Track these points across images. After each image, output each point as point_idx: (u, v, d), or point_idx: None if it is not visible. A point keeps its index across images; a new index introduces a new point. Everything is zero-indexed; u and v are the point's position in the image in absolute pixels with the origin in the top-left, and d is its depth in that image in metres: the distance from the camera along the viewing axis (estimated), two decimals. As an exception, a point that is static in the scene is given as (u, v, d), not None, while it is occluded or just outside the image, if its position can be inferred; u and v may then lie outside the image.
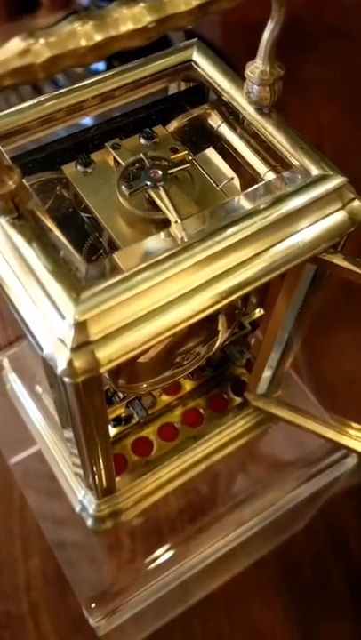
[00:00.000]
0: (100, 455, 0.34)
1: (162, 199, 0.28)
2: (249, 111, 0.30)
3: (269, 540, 0.54)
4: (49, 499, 0.47)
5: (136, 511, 0.43)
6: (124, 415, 0.40)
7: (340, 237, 0.29)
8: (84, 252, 0.30)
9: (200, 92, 0.33)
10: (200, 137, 0.32)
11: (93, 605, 0.42)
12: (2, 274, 0.26)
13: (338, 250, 0.30)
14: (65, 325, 0.24)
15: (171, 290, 0.25)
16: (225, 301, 0.27)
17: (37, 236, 0.26)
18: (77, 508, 0.43)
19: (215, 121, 0.32)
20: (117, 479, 0.41)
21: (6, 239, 0.26)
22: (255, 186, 0.28)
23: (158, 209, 0.28)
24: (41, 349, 0.25)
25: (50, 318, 0.25)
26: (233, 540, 0.47)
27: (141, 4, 0.22)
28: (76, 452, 0.36)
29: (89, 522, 0.42)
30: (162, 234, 0.26)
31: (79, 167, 0.30)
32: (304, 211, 0.28)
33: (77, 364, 0.24)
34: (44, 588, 0.52)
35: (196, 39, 0.33)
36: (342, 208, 0.28)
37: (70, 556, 0.46)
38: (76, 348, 0.24)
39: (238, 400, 0.45)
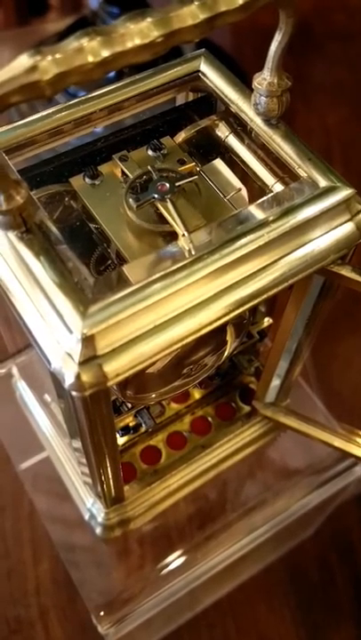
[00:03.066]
0: (108, 465, 0.34)
1: (169, 212, 0.28)
2: (257, 122, 0.30)
3: (278, 546, 0.54)
4: (57, 505, 0.47)
5: (145, 519, 0.43)
6: (132, 424, 0.40)
7: (348, 249, 0.29)
8: (92, 263, 0.30)
9: (208, 102, 0.33)
10: (208, 148, 0.32)
11: (102, 613, 0.43)
12: (11, 288, 0.26)
13: (346, 261, 0.30)
14: (72, 340, 0.24)
15: (179, 303, 0.25)
16: (233, 314, 0.27)
17: (45, 249, 0.26)
18: (86, 517, 0.43)
19: (223, 132, 0.32)
20: (126, 488, 0.41)
21: (15, 253, 0.26)
22: (263, 198, 0.28)
23: (166, 222, 0.28)
24: (49, 363, 0.25)
25: (58, 332, 0.25)
26: (242, 547, 0.47)
27: (148, 19, 0.22)
28: (84, 461, 0.36)
29: (98, 530, 0.42)
30: (170, 247, 0.26)
31: (87, 180, 0.30)
32: (313, 223, 0.28)
33: (85, 378, 0.24)
34: (54, 592, 0.52)
35: (203, 50, 0.33)
36: (350, 220, 0.28)
37: (79, 564, 0.46)
38: (84, 363, 0.24)
39: (247, 408, 0.45)
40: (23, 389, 0.47)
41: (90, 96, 0.31)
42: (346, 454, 0.43)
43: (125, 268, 0.26)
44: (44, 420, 0.45)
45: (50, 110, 0.30)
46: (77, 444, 0.35)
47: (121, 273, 0.26)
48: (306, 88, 0.77)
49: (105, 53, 0.22)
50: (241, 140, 0.31)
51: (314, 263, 0.28)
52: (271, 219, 0.27)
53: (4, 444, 0.48)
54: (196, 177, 0.29)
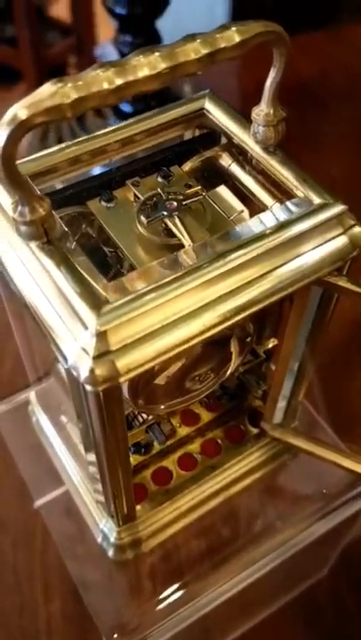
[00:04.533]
0: (120, 475, 0.35)
1: (176, 226, 0.30)
2: (256, 150, 0.33)
3: (292, 586, 0.54)
4: (73, 538, 0.48)
5: (156, 541, 0.44)
6: (143, 442, 0.42)
7: (342, 261, 0.31)
8: (108, 274, 0.32)
9: (212, 135, 0.36)
10: (213, 175, 0.35)
11: (115, 636, 0.43)
12: (32, 294, 0.29)
13: (343, 273, 0.32)
14: (87, 335, 0.26)
15: (182, 305, 0.28)
16: (235, 319, 0.29)
17: (64, 259, 0.28)
18: (99, 538, 0.44)
19: (226, 161, 0.35)
20: (138, 507, 0.42)
21: (37, 262, 0.29)
22: (261, 213, 0.31)
23: (173, 236, 0.30)
24: (66, 360, 0.27)
25: (74, 330, 0.27)
26: (251, 574, 0.47)
27: (156, 53, 0.26)
28: (97, 475, 0.37)
29: (110, 552, 0.43)
30: (174, 255, 0.29)
31: (103, 202, 0.33)
32: (307, 235, 0.30)
33: (98, 371, 0.26)
34: (65, 630, 0.52)
35: (208, 90, 0.36)
36: (343, 233, 0.31)
37: (93, 591, 0.46)
38: (98, 357, 0.26)
39: (256, 431, 0.46)
40: (39, 414, 0.49)
41: (105, 131, 0.34)
42: (356, 474, 0.43)
43: (135, 274, 0.29)
44: (59, 443, 0.47)
45: (70, 142, 0.33)
46: (92, 457, 0.37)
47: (131, 278, 0.28)
48: (313, 141, 0.82)
49: (119, 81, 0.25)
50: (243, 167, 0.35)
51: (310, 273, 0.30)
52: (268, 231, 0.30)
53: (21, 473, 0.50)
54: (201, 196, 0.32)
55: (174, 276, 0.28)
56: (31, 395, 0.49)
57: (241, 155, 0.34)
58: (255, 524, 0.48)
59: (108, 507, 0.41)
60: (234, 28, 0.27)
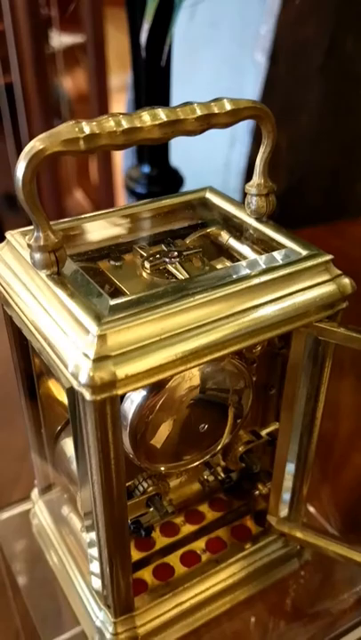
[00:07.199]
0: (119, 540, 0.34)
1: (177, 268, 0.33)
2: (251, 222, 0.37)
3: None
4: None
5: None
6: (145, 523, 0.40)
7: (331, 309, 0.33)
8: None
9: (212, 221, 0.40)
10: (213, 248, 0.39)
11: None
12: (38, 316, 0.31)
13: (335, 321, 0.34)
14: (89, 339, 0.28)
15: (178, 323, 0.30)
16: (227, 350, 0.30)
17: (71, 287, 0.31)
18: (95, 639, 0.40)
19: (224, 237, 0.39)
20: (136, 599, 0.39)
21: (46, 287, 0.31)
22: (252, 257, 0.33)
23: (174, 277, 0.33)
24: (67, 368, 0.28)
25: (77, 338, 0.29)
26: None
27: (159, 109, 0.31)
28: (95, 555, 0.35)
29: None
30: (171, 283, 0.31)
31: (112, 262, 0.36)
32: (295, 276, 0.33)
33: (97, 374, 0.27)
34: None
35: (209, 185, 0.41)
36: (331, 280, 0.33)
37: None
38: (97, 360, 0.27)
39: (262, 530, 0.44)
40: (40, 513, 0.47)
41: (113, 209, 0.39)
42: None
43: (136, 296, 0.31)
44: (58, 540, 0.45)
45: (87, 215, 0.38)
46: (92, 535, 0.35)
47: (131, 298, 0.30)
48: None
49: (125, 125, 0.30)
50: (239, 239, 0.38)
51: (301, 314, 0.32)
52: (256, 272, 0.32)
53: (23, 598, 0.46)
54: (200, 250, 0.35)
55: (170, 299, 0.30)
56: (33, 493, 0.48)
57: (237, 230, 0.38)
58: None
59: (104, 598, 0.38)
60: (226, 100, 0.32)
